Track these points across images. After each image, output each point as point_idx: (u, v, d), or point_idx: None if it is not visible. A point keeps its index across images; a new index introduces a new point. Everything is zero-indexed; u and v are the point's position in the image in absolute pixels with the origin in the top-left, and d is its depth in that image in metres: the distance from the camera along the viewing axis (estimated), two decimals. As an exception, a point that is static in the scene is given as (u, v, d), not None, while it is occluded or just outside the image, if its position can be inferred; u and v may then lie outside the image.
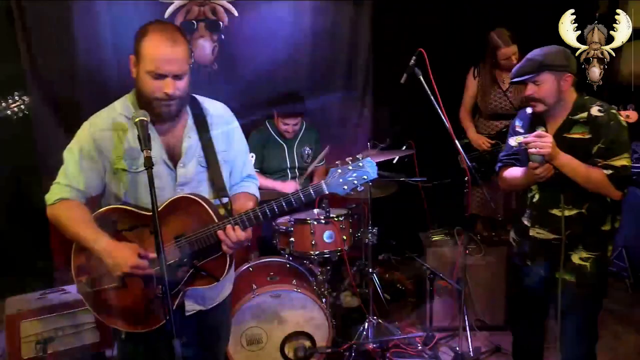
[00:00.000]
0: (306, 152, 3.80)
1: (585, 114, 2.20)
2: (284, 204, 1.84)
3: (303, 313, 2.93)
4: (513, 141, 2.37)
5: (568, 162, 2.16)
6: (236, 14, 3.91)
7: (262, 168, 3.74)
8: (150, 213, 1.77)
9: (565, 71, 2.19)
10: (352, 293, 3.71)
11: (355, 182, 1.83)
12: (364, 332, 3.23)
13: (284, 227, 3.22)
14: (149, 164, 1.65)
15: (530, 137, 2.15)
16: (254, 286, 2.89)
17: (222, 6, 3.90)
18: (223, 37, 3.93)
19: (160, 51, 1.75)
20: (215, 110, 2.03)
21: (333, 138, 4.19)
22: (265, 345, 2.92)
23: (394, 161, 3.40)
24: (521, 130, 2.38)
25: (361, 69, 4.27)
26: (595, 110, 2.18)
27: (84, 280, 1.91)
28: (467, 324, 3.22)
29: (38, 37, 3.61)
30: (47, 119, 3.72)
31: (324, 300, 3.09)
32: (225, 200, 1.94)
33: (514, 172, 2.41)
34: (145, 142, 1.68)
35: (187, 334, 1.93)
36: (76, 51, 3.66)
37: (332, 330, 2.99)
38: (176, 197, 1.86)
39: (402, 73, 3.00)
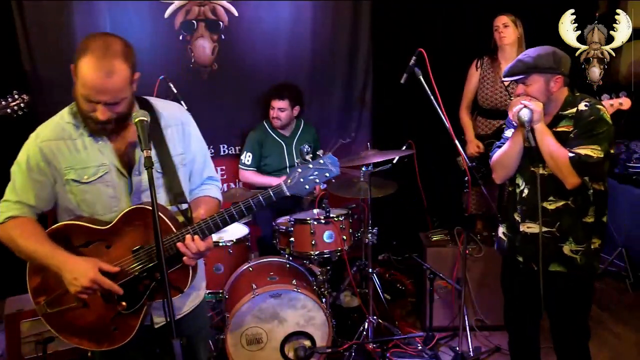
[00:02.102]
0: (305, 149, 3.78)
1: (574, 110, 2.23)
2: (243, 209, 1.76)
3: (303, 313, 2.93)
4: (510, 132, 2.39)
5: (545, 131, 2.20)
6: (236, 14, 3.92)
7: (261, 167, 3.74)
8: (104, 227, 1.75)
9: (554, 73, 2.21)
10: (352, 293, 3.71)
11: (317, 180, 1.79)
12: (364, 332, 3.23)
13: (284, 227, 3.22)
14: (148, 164, 1.61)
15: (525, 99, 2.23)
16: (254, 286, 2.89)
17: (222, 6, 3.90)
18: (223, 37, 3.93)
19: (92, 80, 1.61)
20: (168, 112, 1.91)
21: (333, 138, 4.20)
22: (265, 345, 2.92)
23: (394, 161, 3.40)
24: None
25: (361, 69, 4.28)
26: (582, 106, 2.22)
27: (43, 301, 1.79)
28: (467, 324, 3.22)
29: (38, 37, 3.61)
30: (47, 118, 3.71)
31: (324, 300, 3.09)
32: (184, 206, 1.82)
33: (503, 147, 2.41)
34: (145, 142, 1.63)
35: (160, 347, 1.88)
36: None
37: (332, 330, 2.99)
38: (130, 208, 1.76)
39: (402, 73, 3.00)
